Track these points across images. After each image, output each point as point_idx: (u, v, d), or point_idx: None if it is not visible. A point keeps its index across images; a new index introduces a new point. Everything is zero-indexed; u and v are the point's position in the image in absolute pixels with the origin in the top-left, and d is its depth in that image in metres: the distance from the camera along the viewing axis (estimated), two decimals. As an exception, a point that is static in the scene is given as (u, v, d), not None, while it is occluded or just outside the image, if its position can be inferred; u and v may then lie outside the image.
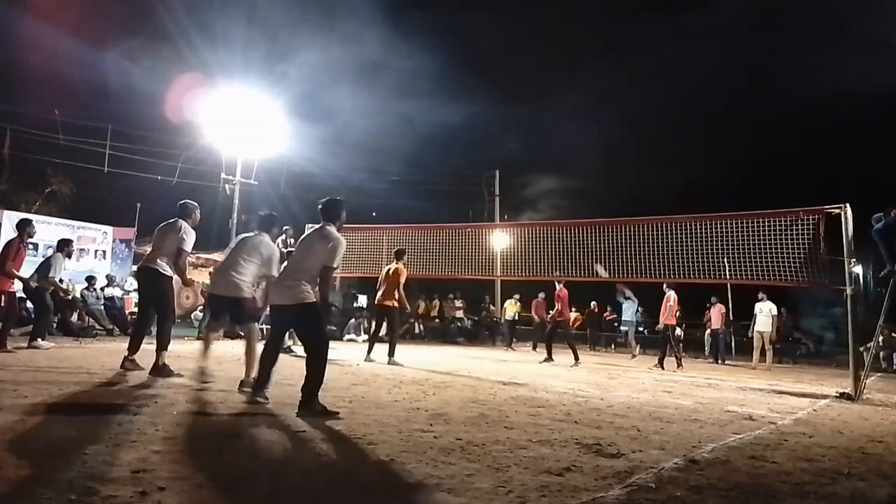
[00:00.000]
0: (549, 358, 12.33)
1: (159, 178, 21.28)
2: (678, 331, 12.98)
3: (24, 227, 8.74)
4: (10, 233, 12.79)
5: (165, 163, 21.47)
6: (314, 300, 4.68)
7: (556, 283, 12.30)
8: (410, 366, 9.04)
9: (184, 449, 3.15)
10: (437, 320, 20.25)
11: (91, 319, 12.79)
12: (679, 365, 12.03)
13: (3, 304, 8.34)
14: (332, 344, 5.96)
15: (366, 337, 16.72)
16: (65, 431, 3.34)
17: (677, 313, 12.43)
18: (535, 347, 16.94)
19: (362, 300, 25.25)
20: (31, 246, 9.26)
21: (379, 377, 7.07)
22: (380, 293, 9.67)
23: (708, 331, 16.54)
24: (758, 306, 14.45)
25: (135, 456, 2.91)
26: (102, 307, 13.16)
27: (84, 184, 23.81)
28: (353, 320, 17.32)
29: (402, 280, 9.62)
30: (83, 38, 22.24)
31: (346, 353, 10.84)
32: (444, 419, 4.50)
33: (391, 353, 9.37)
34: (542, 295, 17.08)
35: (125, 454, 2.93)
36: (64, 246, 9.38)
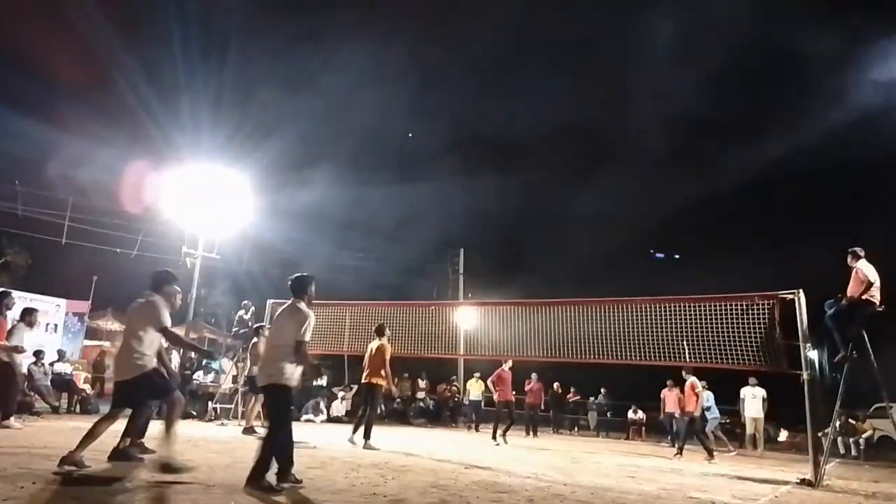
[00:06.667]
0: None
1: (118, 250, 20.88)
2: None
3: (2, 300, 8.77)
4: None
5: (125, 235, 21.11)
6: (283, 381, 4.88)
7: (504, 364, 12.61)
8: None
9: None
10: (398, 401, 19.66)
11: (36, 395, 12.16)
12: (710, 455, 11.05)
13: None
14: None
15: (324, 417, 16.34)
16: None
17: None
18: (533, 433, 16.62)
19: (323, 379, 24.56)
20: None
21: (336, 460, 6.85)
22: (366, 372, 9.36)
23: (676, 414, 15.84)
24: (748, 391, 14.16)
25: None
26: (49, 383, 12.57)
27: (40, 255, 23.21)
28: (311, 400, 16.87)
29: (387, 357, 9.32)
30: (46, 114, 22.20)
31: (303, 434, 10.48)
32: (403, 505, 4.36)
33: (367, 435, 9.02)
34: (534, 375, 16.99)
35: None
36: (26, 315, 9.14)
